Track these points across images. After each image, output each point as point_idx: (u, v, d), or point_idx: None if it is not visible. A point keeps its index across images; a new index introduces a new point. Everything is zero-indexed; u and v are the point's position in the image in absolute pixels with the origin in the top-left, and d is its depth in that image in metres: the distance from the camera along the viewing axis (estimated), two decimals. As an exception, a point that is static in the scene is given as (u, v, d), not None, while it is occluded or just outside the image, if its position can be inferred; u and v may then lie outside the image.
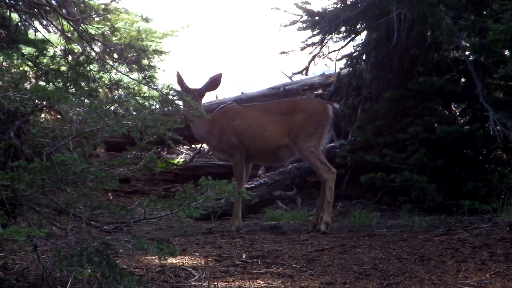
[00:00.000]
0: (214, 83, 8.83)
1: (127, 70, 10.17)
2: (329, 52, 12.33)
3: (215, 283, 5.05)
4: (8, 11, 9.14)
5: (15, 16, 9.34)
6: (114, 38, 10.38)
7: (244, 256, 6.18)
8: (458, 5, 10.26)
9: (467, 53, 10.75)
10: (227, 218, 9.45)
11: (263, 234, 7.90)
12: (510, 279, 5.08)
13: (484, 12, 10.92)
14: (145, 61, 10.30)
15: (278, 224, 8.58)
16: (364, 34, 12.13)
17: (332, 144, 10.31)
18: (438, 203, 9.47)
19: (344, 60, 12.52)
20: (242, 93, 14.69)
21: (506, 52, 10.72)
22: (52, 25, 10.49)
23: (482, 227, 7.78)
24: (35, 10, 9.58)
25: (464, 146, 10.12)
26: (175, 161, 14.27)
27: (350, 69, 12.12)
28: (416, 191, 9.43)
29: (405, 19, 10.31)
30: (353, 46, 12.34)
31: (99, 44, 10.03)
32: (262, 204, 10.30)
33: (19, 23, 9.34)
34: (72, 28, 9.50)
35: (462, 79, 11.05)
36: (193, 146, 14.45)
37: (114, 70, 9.19)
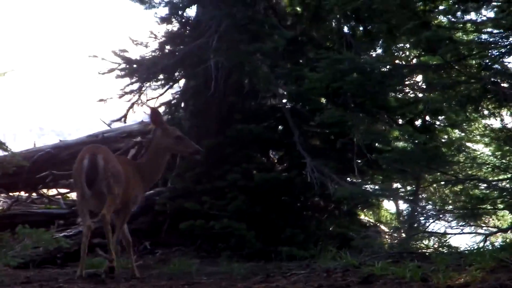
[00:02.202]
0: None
1: None
2: (147, 100, 12.23)
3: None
4: None
5: None
6: None
7: (63, 307, 6.02)
8: (275, 54, 10.54)
9: (284, 100, 11.05)
10: (46, 266, 9.20)
11: (82, 283, 7.71)
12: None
13: (301, 61, 11.28)
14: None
15: (97, 272, 8.42)
16: (182, 82, 12.20)
17: (151, 191, 10.28)
18: (257, 249, 9.54)
19: (163, 108, 12.50)
20: (60, 140, 14.38)
21: (323, 100, 11.05)
22: None
23: (300, 273, 7.86)
24: None
25: (282, 193, 10.31)
26: (-9, 209, 13.78)
27: (169, 117, 12.12)
28: (235, 238, 9.49)
29: (223, 67, 10.51)
30: (172, 93, 12.37)
31: None
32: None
33: None
34: None
35: (280, 127, 11.30)
36: (10, 194, 13.99)
37: None
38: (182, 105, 12.25)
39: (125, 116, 12.81)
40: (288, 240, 9.64)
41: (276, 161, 11.74)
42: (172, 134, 8.40)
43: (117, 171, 7.85)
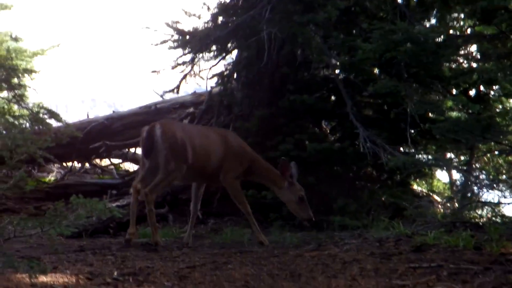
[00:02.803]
0: None
1: (-4, 89, 9.94)
2: (200, 71, 12.27)
3: (87, 300, 4.97)
4: None
5: None
6: (-19, 58, 10.12)
7: (115, 273, 6.07)
8: (328, 24, 10.46)
9: (337, 71, 10.98)
10: (98, 235, 9.34)
11: (135, 251, 7.80)
12: (380, 293, 5.18)
13: (354, 31, 11.18)
14: (15, 80, 10.09)
15: (149, 241, 8.51)
16: (235, 53, 12.19)
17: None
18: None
19: (215, 79, 12.52)
20: (114, 111, 14.53)
21: (375, 71, 10.99)
22: None
23: (352, 242, 7.89)
24: None
25: (334, 163, 10.30)
26: (46, 180, 14.00)
27: (221, 88, 12.19)
28: (286, 207, 9.51)
29: (276, 38, 10.46)
30: (224, 65, 12.37)
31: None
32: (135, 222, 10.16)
33: None
34: None
35: (332, 97, 11.27)
36: (64, 164, 14.20)
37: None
38: (235, 76, 12.23)
39: (177, 87, 12.87)
40: (340, 210, 9.65)
41: (328, 131, 11.70)
42: (297, 192, 8.66)
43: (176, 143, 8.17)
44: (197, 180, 8.88)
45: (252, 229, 8.60)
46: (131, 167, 14.80)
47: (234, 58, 12.35)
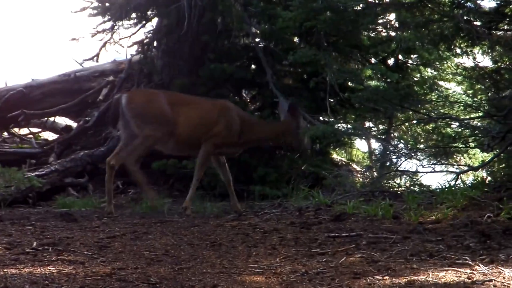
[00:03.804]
0: None
1: None
2: (120, 39, 12.20)
3: (5, 270, 4.86)
4: None
5: None
6: None
7: (35, 243, 5.98)
8: (248, -8, 10.43)
9: (257, 40, 10.94)
10: (17, 205, 9.17)
11: (54, 221, 7.68)
12: (299, 262, 5.17)
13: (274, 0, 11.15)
14: None
15: (69, 211, 8.38)
16: (155, 20, 12.07)
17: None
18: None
19: (135, 47, 12.43)
20: (32, 79, 14.22)
21: (295, 39, 10.99)
22: None
23: (272, 212, 7.94)
24: None
25: (254, 132, 10.30)
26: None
27: (141, 56, 12.09)
28: (207, 177, 9.47)
29: (196, 6, 10.39)
30: (144, 33, 12.25)
31: None
32: (54, 191, 10.00)
33: None
34: None
35: (253, 66, 11.24)
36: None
37: None
38: (155, 44, 12.13)
39: (97, 55, 12.77)
40: (260, 179, 9.69)
41: (249, 100, 11.70)
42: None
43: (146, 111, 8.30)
44: (189, 152, 9.04)
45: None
46: (50, 136, 14.54)
47: (155, 26, 12.21)
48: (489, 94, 8.61)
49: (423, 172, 8.82)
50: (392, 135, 10.71)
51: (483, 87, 8.88)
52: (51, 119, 13.78)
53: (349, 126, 11.03)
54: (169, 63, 11.63)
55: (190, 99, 8.97)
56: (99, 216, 8.23)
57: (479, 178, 8.64)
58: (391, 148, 9.53)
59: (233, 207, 8.60)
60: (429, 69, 10.79)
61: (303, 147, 9.17)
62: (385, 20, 10.41)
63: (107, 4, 11.18)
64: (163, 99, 8.53)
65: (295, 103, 8.99)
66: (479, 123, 8.55)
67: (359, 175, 12.10)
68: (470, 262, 4.77)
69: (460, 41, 8.37)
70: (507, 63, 8.28)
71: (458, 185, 8.04)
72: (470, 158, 10.16)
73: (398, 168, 9.03)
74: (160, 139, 8.37)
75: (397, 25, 10.12)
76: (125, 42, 12.14)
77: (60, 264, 5.20)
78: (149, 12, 11.54)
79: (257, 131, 8.86)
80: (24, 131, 14.38)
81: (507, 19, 7.91)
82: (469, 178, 9.18)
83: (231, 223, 7.32)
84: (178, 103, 8.60)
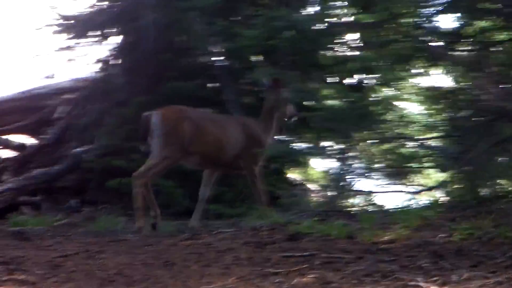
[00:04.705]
0: None
1: None
2: (82, 56, 12.14)
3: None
4: None
5: None
6: None
7: (-14, 262, 5.92)
8: (210, 11, 10.43)
9: (218, 58, 10.97)
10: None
11: (7, 240, 7.63)
12: (252, 283, 5.13)
13: (236, 18, 11.18)
14: None
15: (22, 230, 8.32)
16: (117, 38, 12.06)
17: (79, 149, 10.19)
18: (185, 207, 9.55)
19: (96, 65, 12.39)
20: (-9, 97, 14.11)
21: (256, 58, 11.02)
22: None
23: (227, 231, 7.91)
24: None
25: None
26: None
27: (102, 74, 12.06)
28: (162, 195, 9.44)
29: (158, 24, 10.39)
30: (106, 50, 12.25)
31: None
32: (7, 210, 9.95)
33: None
34: None
35: (213, 84, 11.24)
36: None
37: None
38: (116, 62, 12.14)
39: (58, 72, 12.77)
40: (215, 198, 9.63)
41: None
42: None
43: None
44: (213, 168, 9.18)
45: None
46: (3, 154, 14.40)
47: (117, 44, 12.20)
48: (446, 115, 8.68)
49: (377, 192, 8.88)
50: (348, 154, 10.73)
51: (440, 107, 8.95)
52: (4, 136, 13.67)
53: (305, 145, 11.05)
54: (130, 80, 11.57)
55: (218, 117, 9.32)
56: (52, 234, 8.18)
57: (433, 199, 8.70)
58: (346, 168, 9.56)
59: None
60: (387, 89, 10.84)
61: (291, 115, 9.44)
62: (345, 40, 10.49)
63: (71, 22, 11.19)
64: (193, 118, 8.75)
65: (276, 77, 9.17)
66: (434, 144, 8.61)
67: (314, 195, 12.12)
68: (422, 284, 4.76)
69: (418, 62, 8.45)
70: (465, 83, 8.34)
71: (413, 206, 8.09)
72: (425, 179, 10.20)
73: (354, 188, 9.07)
74: (178, 160, 8.73)
75: (357, 45, 10.18)
76: (87, 59, 12.12)
77: (11, 284, 5.14)
78: (111, 30, 11.55)
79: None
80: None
81: (466, 40, 7.99)
82: (423, 198, 9.23)
83: (185, 242, 7.29)
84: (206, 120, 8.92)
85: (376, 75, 10.43)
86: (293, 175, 12.99)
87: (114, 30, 11.63)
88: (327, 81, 10.56)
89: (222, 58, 11.08)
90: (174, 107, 8.86)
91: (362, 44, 9.96)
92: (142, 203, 8.44)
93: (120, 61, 12.02)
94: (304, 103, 10.35)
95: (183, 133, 8.53)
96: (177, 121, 8.57)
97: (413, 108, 10.16)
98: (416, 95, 9.88)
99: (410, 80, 9.89)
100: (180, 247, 7.00)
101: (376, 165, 9.55)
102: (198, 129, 8.63)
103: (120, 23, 11.15)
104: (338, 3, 10.90)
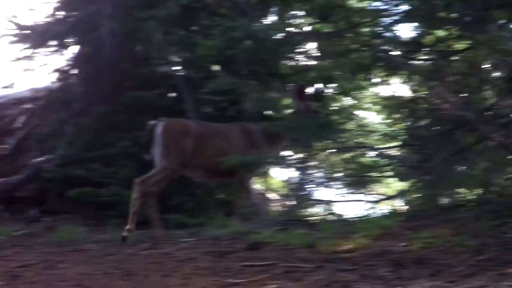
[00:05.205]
0: None
1: None
2: (39, 66, 12.04)
3: None
4: None
5: None
6: None
7: None
8: (169, 20, 10.41)
9: (177, 68, 10.93)
10: None
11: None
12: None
13: (195, 28, 11.17)
14: None
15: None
16: (75, 48, 11.99)
17: (40, 158, 10.10)
18: (146, 217, 9.49)
19: (55, 74, 12.29)
20: None
21: (215, 67, 11.01)
22: None
23: (187, 241, 7.88)
24: None
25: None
26: None
27: (61, 84, 11.96)
28: (123, 205, 9.35)
29: (116, 34, 10.34)
30: (65, 60, 12.14)
31: None
32: (-34, 220, 9.84)
33: None
34: None
35: (172, 94, 11.20)
36: None
37: None
38: (75, 72, 12.05)
39: (16, 82, 12.60)
40: (177, 208, 9.62)
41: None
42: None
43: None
44: (217, 179, 9.32)
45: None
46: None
47: (75, 54, 12.12)
48: (406, 124, 8.74)
49: (337, 201, 8.92)
50: (309, 164, 10.77)
51: (400, 116, 9.01)
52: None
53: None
54: (88, 90, 11.51)
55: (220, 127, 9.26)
56: (11, 244, 8.09)
57: (393, 208, 8.74)
58: (307, 177, 9.60)
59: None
60: (347, 98, 10.90)
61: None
62: (305, 49, 10.54)
63: (27, 32, 11.10)
64: (196, 134, 8.74)
65: (300, 85, 9.28)
66: (395, 153, 8.66)
67: (275, 204, 12.14)
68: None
69: (378, 71, 8.50)
70: (424, 93, 8.40)
71: (374, 215, 8.12)
72: (385, 188, 10.26)
73: (315, 197, 9.10)
74: (178, 172, 8.71)
75: (317, 55, 10.23)
76: (44, 69, 12.02)
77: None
78: (69, 40, 11.48)
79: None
80: None
81: (425, 49, 8.04)
82: (384, 207, 9.27)
83: (145, 251, 7.26)
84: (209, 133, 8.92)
85: (335, 85, 10.50)
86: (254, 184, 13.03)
87: (72, 40, 11.51)
88: (287, 90, 10.55)
89: (181, 67, 11.05)
90: (177, 121, 8.90)
91: (319, 54, 10.02)
92: (138, 209, 8.42)
93: (78, 71, 11.90)
94: (264, 112, 10.32)
95: (184, 148, 8.55)
96: (179, 136, 8.59)
97: (373, 118, 10.25)
98: (375, 104, 9.95)
99: (370, 89, 9.96)
100: (140, 256, 6.99)
101: (336, 175, 9.64)
102: (200, 144, 8.65)
103: (78, 33, 11.07)
104: (297, 13, 11.00)
